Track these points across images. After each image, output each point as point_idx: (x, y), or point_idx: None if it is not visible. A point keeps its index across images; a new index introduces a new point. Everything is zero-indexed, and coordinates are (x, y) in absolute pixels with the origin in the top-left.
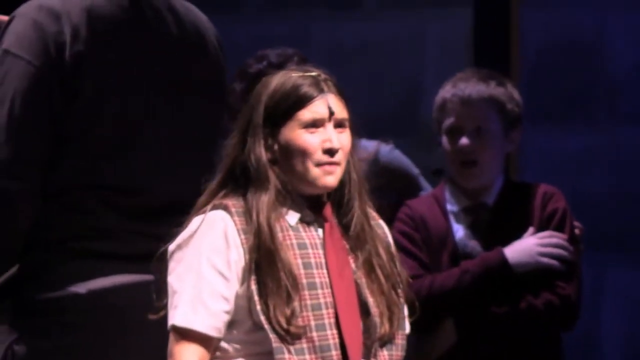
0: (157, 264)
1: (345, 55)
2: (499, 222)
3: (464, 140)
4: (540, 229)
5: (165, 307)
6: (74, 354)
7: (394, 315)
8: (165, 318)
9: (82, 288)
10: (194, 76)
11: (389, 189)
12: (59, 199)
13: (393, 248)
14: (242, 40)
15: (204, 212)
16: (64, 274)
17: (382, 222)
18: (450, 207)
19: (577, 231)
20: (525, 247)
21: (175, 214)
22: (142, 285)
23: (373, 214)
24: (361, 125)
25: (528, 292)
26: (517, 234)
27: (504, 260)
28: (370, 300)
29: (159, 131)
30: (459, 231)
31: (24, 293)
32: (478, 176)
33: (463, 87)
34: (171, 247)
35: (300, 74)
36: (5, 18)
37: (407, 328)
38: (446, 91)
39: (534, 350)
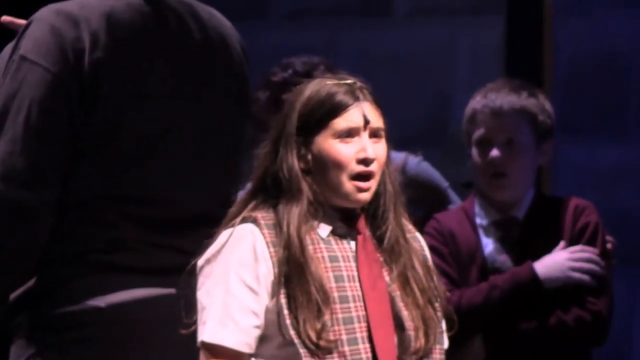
0: (186, 278)
1: (374, 64)
2: (530, 236)
3: (494, 152)
4: (571, 243)
5: (195, 323)
6: None
7: (430, 329)
8: (189, 333)
9: (101, 302)
10: (217, 84)
11: (416, 202)
12: (77, 211)
13: (430, 262)
14: (268, 49)
15: (232, 226)
16: (83, 288)
17: (418, 235)
18: (480, 220)
19: (609, 245)
20: (556, 261)
21: (199, 226)
22: (163, 299)
23: (409, 226)
24: (389, 136)
25: (558, 307)
26: (548, 249)
27: (534, 275)
28: (405, 313)
29: (181, 140)
30: (489, 245)
31: (41, 307)
32: (508, 188)
33: (494, 97)
34: (200, 261)
35: (335, 81)
36: (22, 22)
37: (446, 343)
38: (477, 102)
39: None
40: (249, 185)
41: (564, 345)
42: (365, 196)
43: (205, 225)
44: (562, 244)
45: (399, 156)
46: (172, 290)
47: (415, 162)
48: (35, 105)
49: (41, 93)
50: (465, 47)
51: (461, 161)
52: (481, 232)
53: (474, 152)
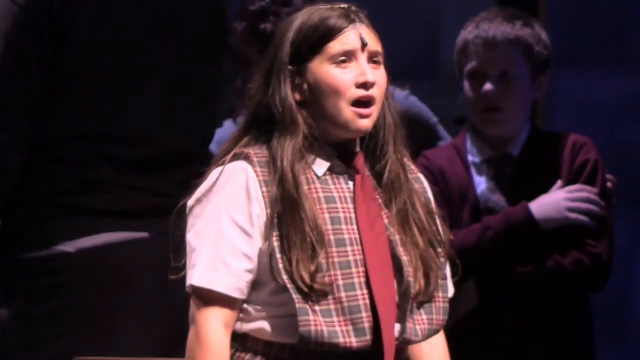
0: (175, 219)
1: None
2: (525, 174)
3: (488, 86)
4: (569, 182)
5: (184, 266)
6: (63, 319)
7: (430, 271)
8: (167, 278)
9: (70, 247)
10: (195, 17)
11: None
12: (47, 151)
13: (433, 204)
14: None
15: (224, 163)
16: (52, 232)
17: (421, 177)
18: (472, 158)
19: (609, 184)
20: (553, 201)
21: (176, 166)
22: (137, 244)
23: (411, 166)
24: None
25: (555, 250)
26: (544, 188)
27: (529, 215)
28: (405, 259)
29: (157, 77)
30: (481, 184)
31: (7, 253)
32: (502, 124)
33: (487, 28)
34: (190, 201)
35: (329, 6)
36: None
37: (451, 291)
38: (468, 32)
39: (560, 315)
40: (240, 120)
41: (562, 291)
42: (366, 123)
43: (183, 165)
44: (559, 182)
45: None
46: (146, 235)
47: (403, 97)
48: (2, 39)
49: (8, 27)
50: None
51: (452, 95)
52: (473, 170)
53: (466, 85)
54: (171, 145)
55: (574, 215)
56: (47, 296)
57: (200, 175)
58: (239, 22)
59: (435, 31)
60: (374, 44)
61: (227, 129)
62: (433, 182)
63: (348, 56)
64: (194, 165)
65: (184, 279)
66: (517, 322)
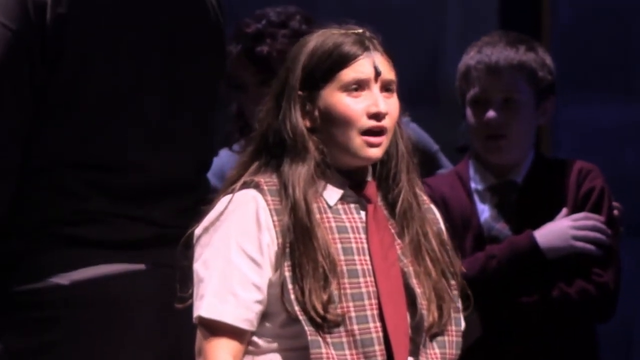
0: (181, 249)
1: (356, 17)
2: (529, 202)
3: (491, 113)
4: (575, 209)
5: (190, 297)
6: (56, 353)
7: (443, 302)
8: (163, 312)
9: (64, 279)
10: (191, 39)
11: None
12: (39, 179)
13: (445, 235)
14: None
15: (232, 191)
16: (44, 263)
17: (434, 207)
18: (475, 185)
19: (615, 212)
20: (558, 229)
21: (173, 194)
22: (132, 276)
23: (424, 197)
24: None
25: (561, 279)
26: (549, 216)
27: (534, 244)
28: (418, 290)
29: (151, 102)
30: (485, 212)
31: None
32: (506, 151)
33: (489, 52)
34: (197, 230)
35: (342, 31)
36: None
37: (463, 325)
38: (470, 57)
39: (565, 345)
40: (236, 147)
41: (567, 320)
42: (376, 152)
43: (180, 194)
44: (564, 210)
45: None
46: (142, 266)
47: (403, 124)
48: None
49: (0, 52)
50: None
51: (453, 121)
52: (476, 198)
53: (469, 112)
54: (167, 173)
55: (579, 244)
56: (39, 330)
57: (198, 204)
58: (234, 44)
59: (436, 56)
60: (388, 72)
61: (222, 158)
62: None
63: (360, 84)
64: (191, 193)
65: (183, 311)
66: (522, 353)
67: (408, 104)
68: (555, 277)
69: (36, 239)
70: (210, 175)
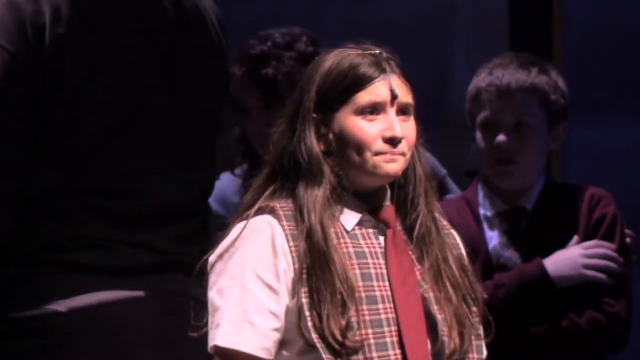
0: (197, 277)
1: (363, 35)
2: (539, 229)
3: (502, 137)
4: (586, 237)
5: (205, 326)
6: None
7: (465, 329)
8: (163, 339)
9: (62, 306)
10: (193, 61)
11: None
12: (38, 204)
13: (466, 260)
14: (245, 21)
15: (247, 217)
16: (43, 290)
17: (454, 233)
18: (484, 211)
19: (628, 240)
20: (569, 258)
21: (175, 220)
22: (134, 303)
23: (444, 222)
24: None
25: (571, 309)
26: (560, 244)
27: (544, 273)
28: (439, 317)
29: (153, 124)
30: (493, 239)
31: None
32: (516, 176)
33: (500, 75)
34: (212, 258)
35: (359, 52)
36: None
37: (485, 353)
38: (481, 80)
39: None
40: (238, 171)
41: (578, 352)
42: (395, 167)
43: (181, 220)
44: (575, 238)
45: None
46: (142, 293)
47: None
48: None
49: None
50: (465, 15)
51: (461, 145)
52: (485, 225)
53: (479, 135)
54: (168, 199)
55: (590, 273)
56: (36, 358)
57: (200, 230)
58: (239, 67)
59: (444, 78)
60: (405, 96)
61: (224, 182)
62: None
63: (376, 108)
64: (193, 219)
65: (184, 339)
66: None
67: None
68: (565, 307)
69: (34, 264)
70: (211, 200)
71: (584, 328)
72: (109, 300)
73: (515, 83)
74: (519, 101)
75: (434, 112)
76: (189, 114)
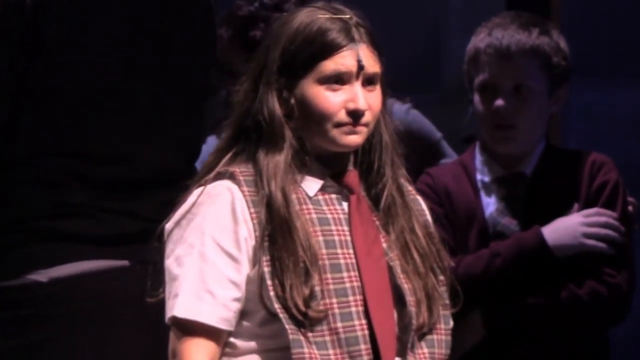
0: (155, 245)
1: None
2: (538, 195)
3: (500, 101)
4: (586, 204)
5: (161, 296)
6: (34, 355)
7: (433, 302)
8: (149, 310)
9: (43, 276)
10: (181, 25)
11: (405, 157)
12: (17, 170)
13: (432, 227)
14: None
15: (206, 183)
16: (22, 259)
17: (419, 198)
18: (481, 177)
19: (630, 208)
20: (568, 226)
21: (160, 187)
22: (115, 273)
23: (409, 187)
24: (386, 81)
25: (570, 280)
26: (559, 210)
27: (541, 241)
28: (406, 286)
29: (138, 88)
30: (490, 206)
31: None
32: (515, 141)
33: (500, 36)
34: (168, 224)
35: (329, 15)
36: None
37: (451, 322)
38: (480, 40)
39: (575, 350)
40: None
41: (577, 323)
42: (355, 139)
43: (167, 186)
44: (575, 206)
45: None
46: (126, 262)
47: (403, 110)
48: None
49: None
50: None
51: (456, 108)
52: (482, 191)
53: (476, 98)
54: (153, 164)
55: (590, 242)
56: (16, 330)
57: None
58: (225, 28)
59: (438, 41)
60: (372, 66)
61: (210, 146)
62: (437, 203)
63: (341, 78)
64: (178, 186)
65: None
66: (527, 357)
67: (408, 90)
68: (564, 277)
69: (13, 233)
70: (198, 164)
71: (583, 299)
72: (92, 270)
73: (515, 45)
74: (519, 64)
75: (427, 75)
76: (174, 77)
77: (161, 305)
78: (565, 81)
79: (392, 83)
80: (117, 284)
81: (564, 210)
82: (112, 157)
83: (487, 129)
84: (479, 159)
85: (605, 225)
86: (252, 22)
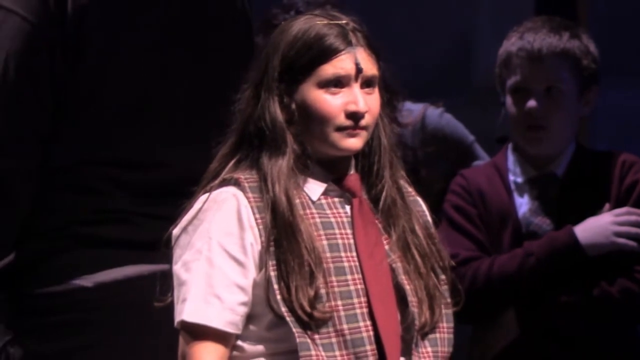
0: (164, 250)
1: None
2: (570, 196)
3: (532, 103)
4: (617, 204)
5: (170, 301)
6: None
7: (434, 301)
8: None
9: (87, 281)
10: (217, 32)
11: (438, 159)
12: (59, 177)
13: (432, 228)
14: None
15: (211, 189)
16: (66, 265)
17: (420, 199)
18: (514, 178)
19: None
20: (600, 225)
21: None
22: (158, 277)
23: (408, 188)
24: (403, 84)
25: (602, 278)
26: (591, 210)
27: (574, 240)
28: (407, 287)
29: (176, 96)
30: (523, 206)
31: (20, 287)
32: (546, 142)
33: (531, 39)
34: (175, 230)
35: (326, 21)
36: None
37: (453, 321)
38: (511, 44)
39: (607, 346)
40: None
41: (609, 321)
42: (355, 142)
43: None
44: (606, 205)
45: (417, 108)
46: (166, 267)
47: (437, 114)
48: (12, 59)
49: (19, 46)
50: None
51: (487, 110)
52: (515, 191)
53: (508, 100)
54: (190, 170)
55: (622, 240)
56: (62, 334)
57: None
58: (262, 36)
59: (469, 44)
60: (370, 68)
61: None
62: (471, 204)
63: (340, 81)
64: None
65: None
66: (561, 355)
67: (439, 92)
68: (596, 275)
69: (57, 239)
70: None
71: (615, 296)
72: (135, 275)
73: (546, 48)
74: (550, 66)
75: (458, 77)
76: (212, 84)
77: None
78: (594, 83)
79: (423, 88)
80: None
81: (595, 210)
82: (150, 164)
83: (519, 131)
84: (511, 160)
85: (635, 224)
86: None
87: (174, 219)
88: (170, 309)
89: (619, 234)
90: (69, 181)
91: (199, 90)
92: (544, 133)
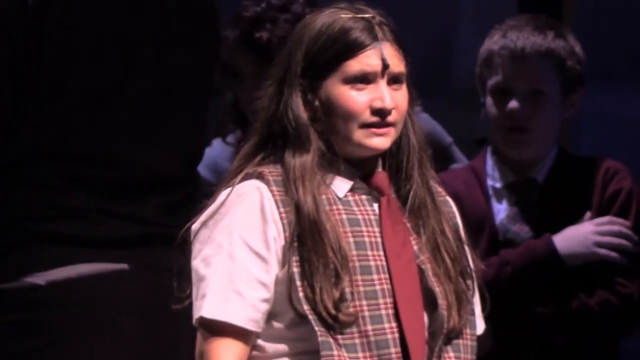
0: (179, 245)
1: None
2: (550, 202)
3: (514, 104)
4: (599, 212)
5: (189, 297)
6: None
7: (462, 306)
8: (148, 316)
9: (40, 279)
10: (182, 24)
11: None
12: (15, 171)
13: (462, 231)
14: None
15: (234, 184)
16: (19, 262)
17: (450, 200)
18: (492, 182)
19: None
20: (580, 234)
21: (161, 190)
22: (117, 276)
23: (438, 188)
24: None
25: (581, 289)
26: (571, 218)
27: (552, 250)
28: (437, 289)
29: (140, 90)
30: (501, 212)
31: None
32: (528, 146)
33: (514, 38)
34: (195, 225)
35: (352, 15)
36: None
37: (480, 328)
38: (494, 42)
39: (586, 358)
40: (230, 138)
41: (587, 334)
42: (382, 142)
43: (169, 188)
44: (588, 214)
45: None
46: (125, 266)
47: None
48: None
49: None
50: None
51: (467, 111)
52: (493, 197)
53: (489, 101)
54: (153, 168)
55: (602, 251)
56: (11, 335)
57: (187, 200)
58: (231, 29)
59: (449, 44)
60: (396, 65)
61: (215, 149)
62: None
63: (366, 78)
64: (180, 189)
65: (168, 315)
66: None
67: (419, 93)
68: (575, 287)
69: (10, 235)
70: (202, 167)
71: (594, 309)
72: (90, 274)
73: (530, 47)
74: (534, 66)
75: (438, 78)
76: (176, 79)
77: (163, 310)
78: (579, 85)
79: None
80: (115, 289)
81: (576, 218)
82: (112, 160)
83: (499, 133)
84: (490, 164)
85: (617, 234)
86: (259, 23)
87: (133, 217)
88: (125, 308)
89: (599, 244)
90: (25, 176)
91: (163, 85)
92: (525, 136)
